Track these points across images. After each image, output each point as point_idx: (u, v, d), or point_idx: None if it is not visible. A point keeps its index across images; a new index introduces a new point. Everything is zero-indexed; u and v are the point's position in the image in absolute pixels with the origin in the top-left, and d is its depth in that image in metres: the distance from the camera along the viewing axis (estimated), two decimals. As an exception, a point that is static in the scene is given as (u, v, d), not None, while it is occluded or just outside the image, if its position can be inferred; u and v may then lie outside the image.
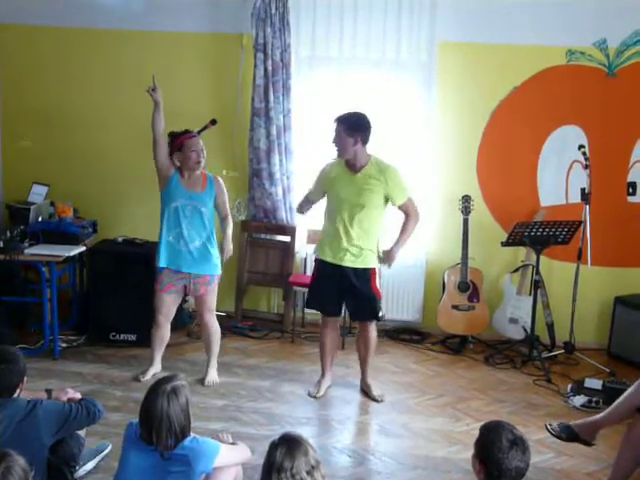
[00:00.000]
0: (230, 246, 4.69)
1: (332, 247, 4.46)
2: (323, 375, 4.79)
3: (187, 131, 4.59)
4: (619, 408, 3.53)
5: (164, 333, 4.80)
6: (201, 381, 4.76)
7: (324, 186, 4.56)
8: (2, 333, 5.12)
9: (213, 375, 4.82)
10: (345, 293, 4.53)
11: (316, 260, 4.63)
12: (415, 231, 4.54)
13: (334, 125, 4.35)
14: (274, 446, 2.38)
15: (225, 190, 4.73)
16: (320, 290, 4.60)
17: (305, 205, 4.80)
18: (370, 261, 4.44)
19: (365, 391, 4.73)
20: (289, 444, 2.37)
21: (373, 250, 4.44)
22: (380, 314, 4.53)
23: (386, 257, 4.46)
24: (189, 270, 4.59)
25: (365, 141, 4.33)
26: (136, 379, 4.76)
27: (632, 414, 3.44)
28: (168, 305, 4.68)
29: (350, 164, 4.40)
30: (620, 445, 3.47)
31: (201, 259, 4.60)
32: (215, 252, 4.67)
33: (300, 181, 5.86)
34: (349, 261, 4.42)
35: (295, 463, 2.32)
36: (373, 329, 4.62)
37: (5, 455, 2.32)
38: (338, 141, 4.35)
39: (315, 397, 4.66)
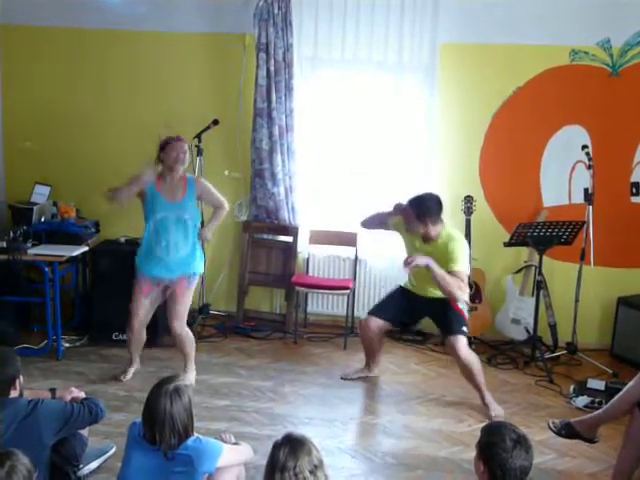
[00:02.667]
0: (208, 231, 4.72)
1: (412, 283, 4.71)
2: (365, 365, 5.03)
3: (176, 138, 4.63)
4: (618, 403, 3.55)
5: (140, 337, 4.78)
6: None
7: (399, 231, 4.71)
8: (5, 332, 5.14)
9: (189, 377, 4.73)
10: (420, 311, 4.72)
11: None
12: (446, 289, 4.33)
13: (407, 205, 4.45)
14: (277, 446, 2.39)
15: (210, 186, 4.73)
16: (388, 297, 4.88)
17: (375, 223, 4.84)
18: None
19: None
20: (292, 444, 2.38)
21: None
22: (463, 328, 4.50)
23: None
24: (172, 276, 4.60)
25: (435, 222, 4.42)
26: (117, 379, 4.76)
27: (631, 409, 3.44)
28: (146, 309, 4.66)
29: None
30: (621, 443, 3.48)
31: (184, 264, 4.61)
32: (199, 254, 4.71)
33: (302, 181, 5.87)
34: (431, 293, 4.56)
35: (298, 463, 2.32)
36: (460, 346, 4.44)
37: (10, 454, 2.33)
38: (409, 221, 4.47)
39: (344, 378, 4.96)
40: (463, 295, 4.38)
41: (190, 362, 4.80)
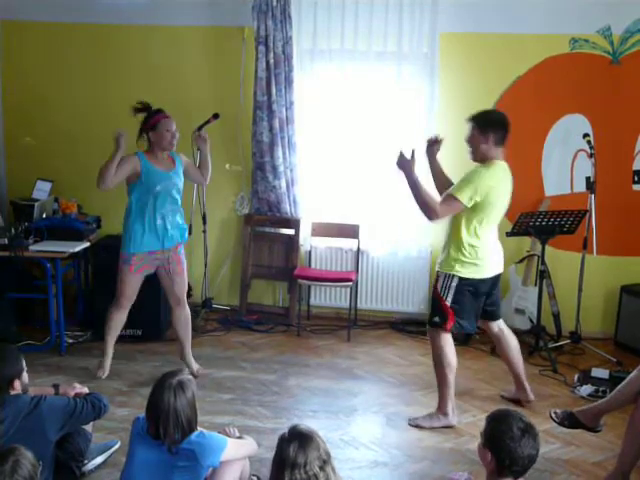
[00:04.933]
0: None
1: None
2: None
3: (160, 110, 4.56)
4: (621, 393, 3.55)
5: (123, 317, 4.74)
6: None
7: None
8: (5, 330, 5.14)
9: (197, 364, 4.83)
10: None
11: None
12: (419, 203, 3.97)
13: (468, 124, 4.08)
14: (286, 441, 2.36)
15: (191, 162, 4.87)
16: None
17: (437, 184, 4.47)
18: (443, 265, 4.09)
19: None
20: (301, 439, 2.36)
21: (452, 256, 4.04)
22: (435, 319, 4.11)
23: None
24: (168, 245, 4.61)
25: (497, 142, 4.02)
26: (96, 377, 4.67)
27: (634, 399, 3.44)
28: (135, 287, 4.63)
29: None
30: (625, 433, 3.47)
31: (174, 235, 4.64)
32: (183, 222, 4.74)
33: (304, 174, 5.86)
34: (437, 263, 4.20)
35: (308, 459, 2.30)
36: (432, 336, 4.18)
37: (13, 450, 2.34)
38: (470, 140, 4.07)
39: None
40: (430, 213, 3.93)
41: (189, 346, 4.84)
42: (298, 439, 2.36)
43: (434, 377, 4.85)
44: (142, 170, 4.49)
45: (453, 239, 4.07)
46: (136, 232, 4.53)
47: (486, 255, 4.08)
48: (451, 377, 4.16)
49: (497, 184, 4.02)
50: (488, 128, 4.02)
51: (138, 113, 4.53)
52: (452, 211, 3.99)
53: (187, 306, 4.81)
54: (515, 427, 2.46)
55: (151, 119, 4.51)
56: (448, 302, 4.06)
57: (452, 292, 4.06)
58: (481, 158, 4.05)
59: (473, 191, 3.91)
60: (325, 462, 2.35)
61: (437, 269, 4.17)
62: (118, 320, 4.76)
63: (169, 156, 4.62)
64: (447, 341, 4.14)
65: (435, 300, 4.15)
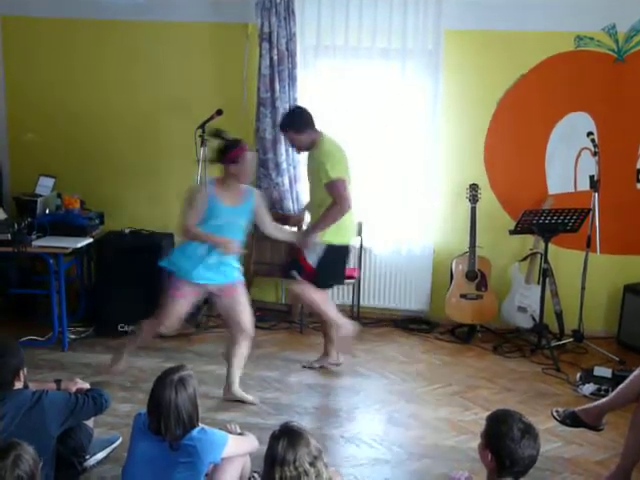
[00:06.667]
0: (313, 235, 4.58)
1: None
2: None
3: (240, 141, 4.27)
4: (623, 391, 3.54)
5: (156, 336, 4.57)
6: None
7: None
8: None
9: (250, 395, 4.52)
10: None
11: None
12: (337, 220, 4.42)
13: (284, 134, 4.75)
14: (275, 438, 2.38)
15: (264, 203, 4.53)
16: None
17: None
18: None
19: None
20: (290, 436, 2.37)
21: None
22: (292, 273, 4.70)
23: (300, 242, 4.60)
24: (222, 283, 4.33)
25: (299, 131, 4.55)
26: (110, 372, 4.54)
27: (636, 397, 3.43)
28: (182, 310, 4.30)
29: None
30: (627, 430, 3.46)
31: (234, 271, 4.40)
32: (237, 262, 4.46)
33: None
34: None
35: (297, 455, 2.31)
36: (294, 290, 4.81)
37: (15, 444, 2.34)
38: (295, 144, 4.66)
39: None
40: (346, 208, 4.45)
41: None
42: (287, 436, 2.38)
43: (437, 375, 4.90)
44: (210, 205, 4.21)
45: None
46: (194, 258, 4.23)
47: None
48: (325, 308, 4.71)
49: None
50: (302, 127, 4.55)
51: (214, 138, 4.33)
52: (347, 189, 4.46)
53: (249, 339, 4.46)
54: (515, 428, 2.46)
55: (233, 151, 4.19)
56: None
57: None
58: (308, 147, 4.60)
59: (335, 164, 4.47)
60: (316, 458, 2.36)
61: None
62: (154, 335, 4.51)
63: (242, 190, 4.31)
64: (305, 286, 4.63)
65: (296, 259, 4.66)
